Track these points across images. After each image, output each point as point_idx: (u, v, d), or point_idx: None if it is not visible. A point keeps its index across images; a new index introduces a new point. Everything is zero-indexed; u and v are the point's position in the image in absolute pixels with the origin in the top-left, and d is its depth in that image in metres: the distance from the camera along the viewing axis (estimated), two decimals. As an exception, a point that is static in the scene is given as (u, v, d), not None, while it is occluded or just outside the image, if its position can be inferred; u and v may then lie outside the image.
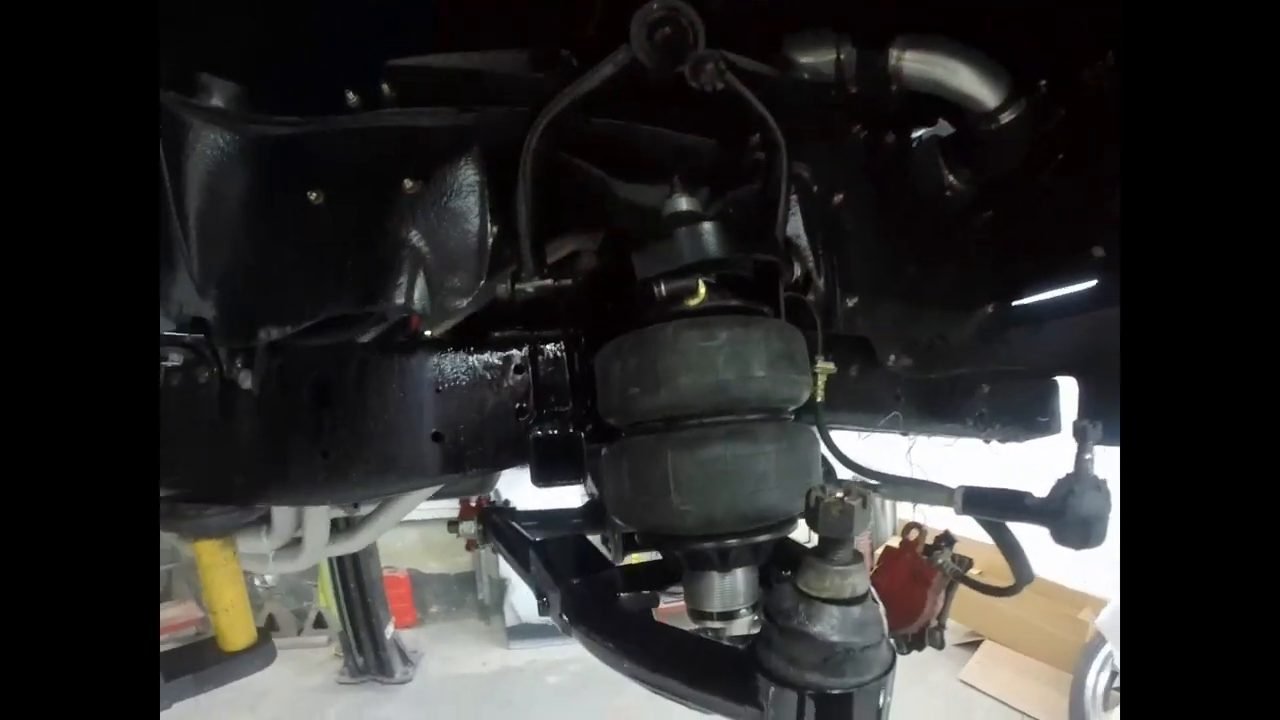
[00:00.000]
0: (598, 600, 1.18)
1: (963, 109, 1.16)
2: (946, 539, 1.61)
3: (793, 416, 1.10)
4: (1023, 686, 5.70)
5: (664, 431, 0.99)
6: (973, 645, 6.35)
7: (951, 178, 1.30)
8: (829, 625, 0.71)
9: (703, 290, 1.00)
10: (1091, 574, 5.38)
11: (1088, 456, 1.09)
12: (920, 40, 1.09)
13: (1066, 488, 1.08)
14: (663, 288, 1.01)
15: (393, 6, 0.94)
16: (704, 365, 0.93)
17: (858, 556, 0.74)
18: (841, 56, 1.08)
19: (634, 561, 1.27)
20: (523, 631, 7.65)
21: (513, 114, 0.99)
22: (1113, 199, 1.13)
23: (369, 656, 6.95)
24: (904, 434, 1.74)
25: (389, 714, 6.47)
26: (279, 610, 8.12)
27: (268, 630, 1.65)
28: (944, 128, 1.37)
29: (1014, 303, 1.46)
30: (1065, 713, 4.99)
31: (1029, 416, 1.79)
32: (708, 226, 1.01)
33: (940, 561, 1.53)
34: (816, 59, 1.09)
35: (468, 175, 1.00)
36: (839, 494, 0.70)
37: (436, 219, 0.99)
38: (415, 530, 8.50)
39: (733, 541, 0.99)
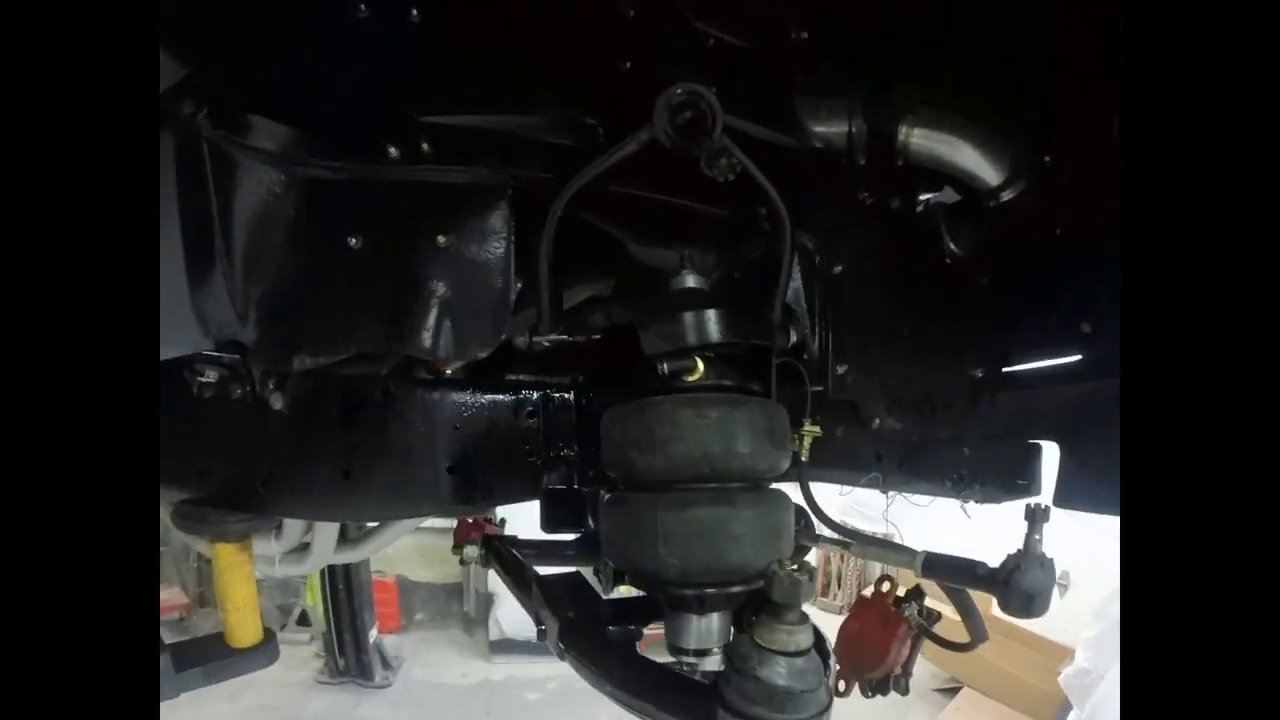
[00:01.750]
0: (589, 631, 1.28)
1: (968, 186, 1.23)
2: (917, 593, 1.68)
3: (771, 484, 1.20)
4: (999, 737, 5.62)
5: (656, 491, 1.11)
6: (952, 691, 6.33)
7: (952, 244, 1.34)
8: (775, 671, 0.86)
9: (700, 368, 1.13)
10: (1073, 625, 5.40)
11: (1036, 537, 1.21)
12: (929, 118, 1.15)
13: (1014, 563, 1.21)
14: (665, 366, 1.13)
15: (434, 66, 1.03)
16: (694, 439, 1.06)
17: (803, 618, 0.88)
18: (853, 129, 1.15)
19: (621, 595, 1.37)
20: (505, 646, 7.67)
21: (540, 177, 1.07)
22: (1101, 280, 1.21)
23: (350, 658, 6.99)
24: (884, 492, 1.79)
25: (366, 715, 6.52)
26: (264, 604, 8.15)
27: (272, 630, 1.73)
28: (949, 194, 1.39)
29: (1004, 369, 1.50)
30: (1039, 767, 5.01)
31: (1008, 479, 1.77)
32: (711, 314, 1.13)
33: (908, 614, 1.60)
34: (829, 129, 1.15)
35: (496, 232, 1.08)
36: (792, 568, 0.82)
37: (465, 271, 1.08)
38: (408, 537, 8.54)
39: (709, 590, 1.10)
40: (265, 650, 1.66)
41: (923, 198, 1.42)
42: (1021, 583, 1.20)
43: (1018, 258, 1.38)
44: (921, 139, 1.14)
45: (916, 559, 1.34)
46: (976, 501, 1.87)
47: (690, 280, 1.16)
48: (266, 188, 1.02)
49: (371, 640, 7.02)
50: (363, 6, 0.94)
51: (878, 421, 1.40)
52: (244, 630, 1.62)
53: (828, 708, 0.90)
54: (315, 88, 1.01)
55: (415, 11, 0.95)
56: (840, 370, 1.32)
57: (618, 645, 1.26)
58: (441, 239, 1.07)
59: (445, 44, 1.00)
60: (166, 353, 1.06)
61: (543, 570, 1.44)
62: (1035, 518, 1.23)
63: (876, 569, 7.19)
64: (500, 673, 7.39)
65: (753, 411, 1.12)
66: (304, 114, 1.02)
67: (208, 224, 0.99)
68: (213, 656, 1.61)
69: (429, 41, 0.98)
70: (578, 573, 1.45)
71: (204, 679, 1.57)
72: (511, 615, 7.63)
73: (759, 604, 0.94)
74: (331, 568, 6.74)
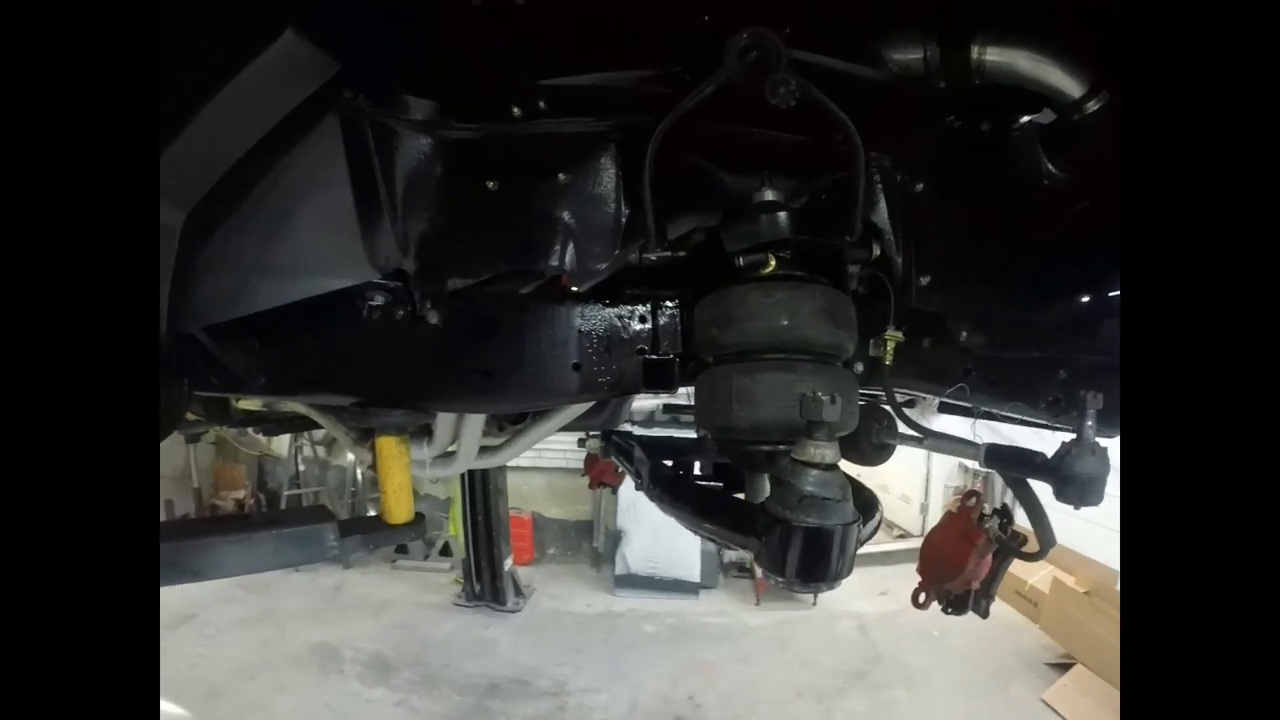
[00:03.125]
0: (670, 472, 1.57)
1: (1050, 100, 1.21)
2: (1003, 512, 1.74)
3: (840, 364, 1.35)
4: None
5: (733, 361, 1.30)
6: (1063, 667, 6.16)
7: (1050, 166, 1.31)
8: (803, 480, 1.03)
9: (772, 263, 1.29)
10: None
11: (1089, 424, 1.28)
12: (1001, 35, 1.15)
13: (1066, 449, 1.29)
14: (741, 260, 1.31)
15: (541, 39, 1.20)
16: (762, 315, 1.25)
17: (831, 436, 1.05)
18: (928, 53, 1.16)
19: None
20: (629, 581, 8.19)
21: (639, 121, 1.23)
22: None
23: (485, 584, 7.71)
24: (971, 408, 1.79)
25: (496, 635, 7.14)
26: (410, 536, 9.04)
27: (422, 513, 2.06)
28: (1048, 115, 1.34)
29: (1110, 294, 1.40)
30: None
31: (1109, 408, 1.64)
32: (782, 215, 1.26)
33: (987, 526, 1.67)
34: (905, 56, 1.18)
35: (606, 169, 1.27)
36: (821, 394, 1.02)
37: (582, 202, 1.28)
38: (543, 476, 9.21)
39: (781, 447, 1.28)
40: (415, 526, 1.99)
41: (1024, 120, 1.38)
42: (1074, 468, 1.27)
43: (1116, 178, 1.33)
44: (996, 56, 1.14)
45: (980, 449, 1.43)
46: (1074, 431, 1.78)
47: (769, 194, 1.29)
48: (418, 149, 1.25)
49: (506, 569, 7.69)
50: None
51: (965, 335, 1.44)
52: (399, 509, 1.96)
53: (854, 520, 1.07)
54: (449, 67, 1.23)
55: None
56: (924, 282, 1.39)
57: (690, 482, 1.55)
58: (562, 177, 1.27)
59: (547, 20, 1.16)
60: (344, 282, 1.35)
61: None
62: (1084, 404, 1.27)
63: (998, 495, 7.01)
64: (622, 605, 7.89)
65: (814, 294, 1.27)
66: (443, 89, 1.24)
67: (373, 180, 1.23)
68: (371, 529, 1.97)
69: (534, 20, 1.15)
70: (670, 438, 1.69)
71: (362, 545, 1.93)
72: (637, 552, 8.17)
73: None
74: (472, 502, 7.42)
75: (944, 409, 2.06)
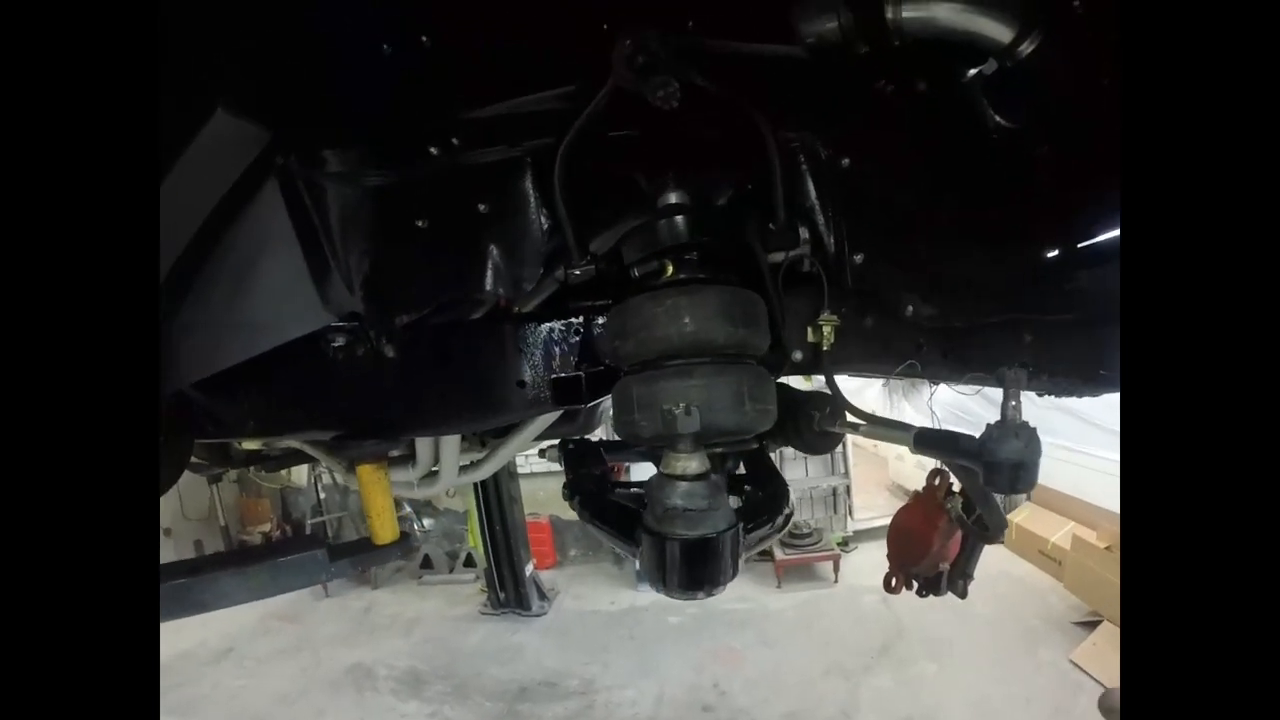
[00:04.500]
0: (589, 487, 1.71)
1: (979, 49, 1.12)
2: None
3: (753, 361, 1.34)
4: (1134, 677, 5.45)
5: (633, 372, 1.33)
6: (1091, 625, 6.10)
7: (996, 117, 1.24)
8: (669, 493, 1.08)
9: (670, 269, 1.31)
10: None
11: (1013, 403, 1.19)
12: None
13: (989, 433, 1.20)
14: (635, 270, 1.35)
15: (449, 77, 1.23)
16: (654, 323, 1.25)
17: (695, 447, 1.09)
18: (841, 20, 1.08)
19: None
20: (650, 576, 8.22)
21: (551, 142, 1.25)
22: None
23: (509, 592, 7.81)
24: (930, 382, 1.76)
25: (523, 640, 7.24)
26: (434, 551, 9.22)
27: (406, 532, 2.16)
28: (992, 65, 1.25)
29: (1080, 244, 1.31)
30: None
31: (1088, 369, 1.58)
32: (679, 219, 1.29)
33: (949, 506, 1.64)
34: (819, 26, 1.10)
35: (524, 193, 1.31)
36: (678, 407, 1.06)
37: (506, 228, 1.33)
38: (557, 480, 9.18)
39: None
40: (400, 545, 2.09)
41: (971, 73, 1.27)
42: (997, 453, 1.17)
43: (1076, 119, 1.23)
44: (913, 11, 1.08)
45: (910, 434, 1.39)
46: (1049, 395, 1.70)
47: (673, 197, 1.32)
48: (348, 199, 1.30)
49: (528, 574, 7.77)
50: (385, 47, 1.16)
51: (910, 309, 1.41)
52: (384, 531, 2.06)
53: (726, 530, 1.10)
54: (365, 117, 1.27)
55: (425, 39, 1.16)
56: (858, 260, 1.37)
57: (596, 491, 1.67)
58: (483, 207, 1.32)
59: (453, 57, 1.20)
60: (304, 329, 1.42)
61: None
62: (1009, 383, 1.18)
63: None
64: (645, 599, 7.93)
65: (708, 296, 1.25)
66: (362, 140, 1.29)
67: (315, 233, 1.29)
68: (359, 550, 2.06)
69: (441, 59, 1.19)
70: (591, 442, 1.78)
71: (351, 567, 2.03)
72: (656, 548, 8.15)
73: (761, 466, 1.16)
74: (488, 513, 7.52)
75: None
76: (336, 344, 1.68)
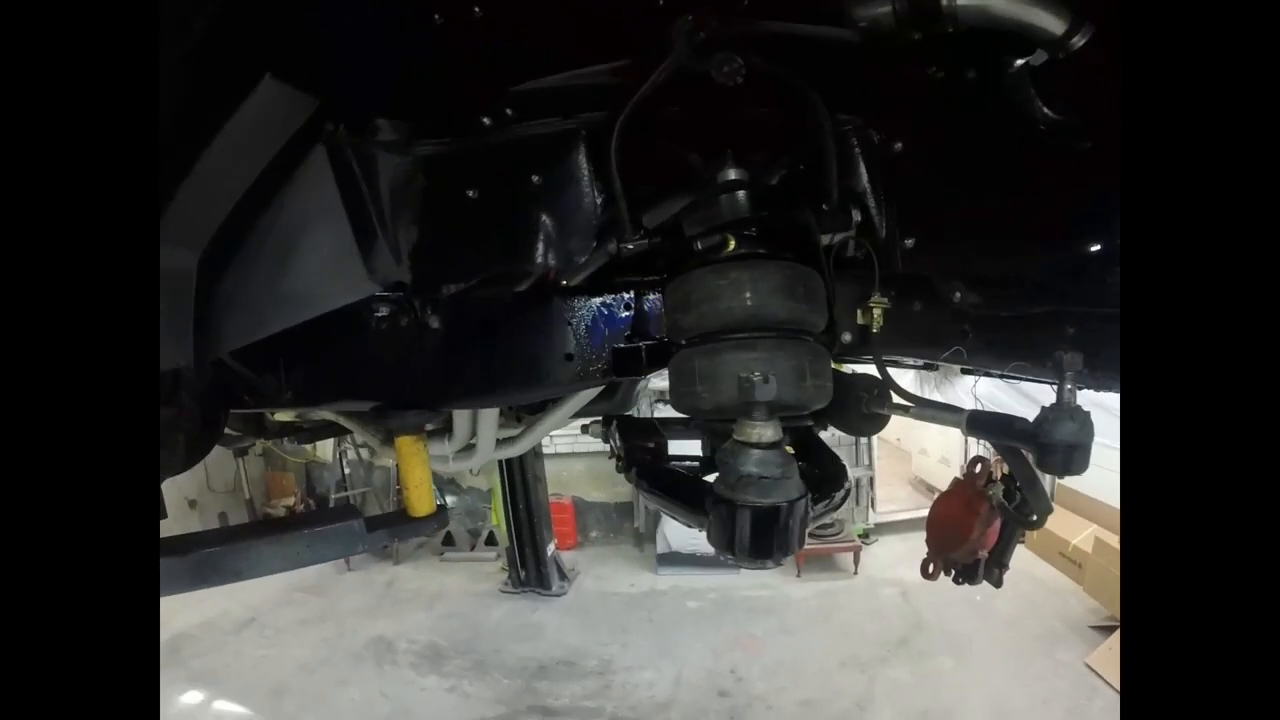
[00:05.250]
0: (644, 454, 1.69)
1: (1032, 40, 1.13)
2: (1009, 479, 1.71)
3: (810, 338, 1.34)
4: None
5: (696, 344, 1.32)
6: (1109, 629, 6.04)
7: (1045, 109, 1.23)
8: (743, 460, 1.07)
9: (732, 243, 1.30)
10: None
11: (1069, 387, 1.23)
12: None
13: (1044, 415, 1.23)
14: (698, 244, 1.34)
15: (503, 48, 1.22)
16: (717, 296, 1.26)
17: (770, 414, 1.08)
18: (896, 6, 1.09)
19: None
20: (671, 559, 8.28)
21: (605, 115, 1.25)
22: None
23: (530, 570, 7.88)
24: (972, 371, 1.82)
25: (543, 619, 7.32)
26: (456, 529, 9.33)
27: (443, 505, 2.19)
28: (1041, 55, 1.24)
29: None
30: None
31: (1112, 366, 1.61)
32: (740, 194, 1.29)
33: (990, 493, 1.65)
34: (873, 10, 1.11)
35: (578, 166, 1.30)
36: (755, 374, 1.05)
37: (558, 201, 1.32)
38: (582, 462, 9.32)
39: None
40: (437, 518, 2.10)
41: (1018, 63, 1.27)
42: (1053, 434, 1.21)
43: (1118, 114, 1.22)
44: (967, 0, 1.07)
45: (963, 417, 1.39)
46: (1086, 387, 1.61)
47: (732, 173, 1.31)
48: (399, 169, 1.31)
49: (549, 554, 7.85)
50: (436, 16, 1.15)
51: (958, 296, 1.42)
52: (420, 503, 2.07)
53: (798, 498, 1.10)
54: (417, 87, 1.27)
55: (477, 9, 1.15)
56: (909, 244, 1.36)
57: (658, 465, 1.65)
58: (535, 179, 1.31)
59: (506, 28, 1.18)
60: (350, 298, 1.43)
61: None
62: (1063, 366, 1.20)
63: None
64: (665, 583, 7.99)
65: (770, 271, 1.27)
66: (414, 109, 1.29)
67: (363, 203, 1.29)
68: (395, 522, 2.08)
69: (494, 29, 1.17)
70: (651, 419, 1.76)
71: (389, 537, 2.06)
72: (678, 531, 8.21)
73: (809, 442, 1.15)
74: (512, 491, 7.61)
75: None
76: (380, 313, 1.69)
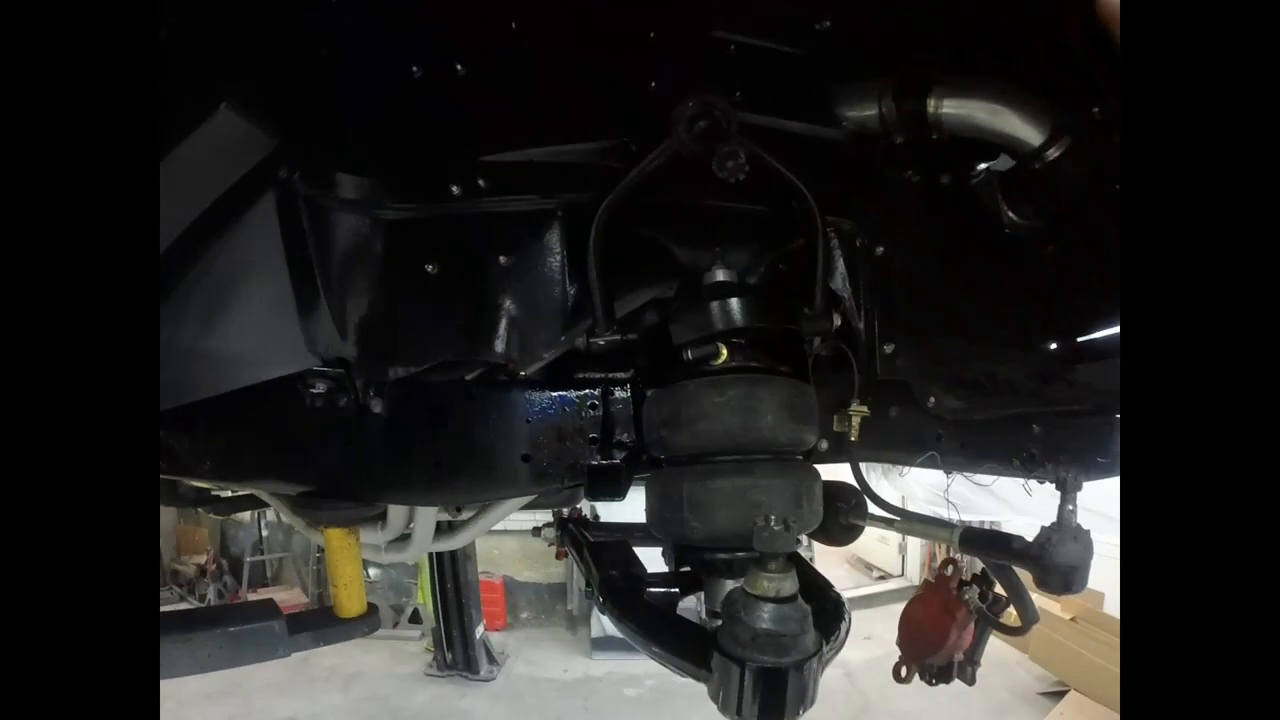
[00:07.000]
0: (623, 587, 1.50)
1: (1009, 150, 1.18)
2: (983, 578, 1.68)
3: (800, 457, 1.27)
4: (1103, 748, 5.33)
5: (686, 465, 1.22)
6: (1058, 695, 6.10)
7: (1011, 213, 1.27)
8: (758, 616, 0.95)
9: (724, 353, 1.22)
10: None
11: (1070, 508, 1.21)
12: (957, 87, 1.13)
13: (1047, 536, 1.22)
14: (689, 353, 1.24)
15: (482, 113, 1.14)
16: (715, 416, 1.17)
17: (787, 568, 0.96)
18: (883, 109, 1.13)
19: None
20: (606, 644, 7.92)
21: (586, 197, 1.16)
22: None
23: (458, 653, 7.42)
24: (946, 472, 1.77)
25: (471, 706, 6.86)
26: (380, 603, 8.71)
27: (374, 605, 1.97)
28: (1006, 161, 1.31)
29: (1080, 339, 1.39)
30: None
31: (1087, 457, 1.69)
32: (734, 301, 1.21)
33: (967, 598, 1.62)
34: (860, 113, 1.16)
35: (551, 250, 1.20)
36: (772, 520, 0.92)
37: (526, 285, 1.21)
38: (514, 539, 8.98)
39: (739, 554, 1.20)
40: (368, 620, 1.89)
41: (982, 168, 1.34)
42: (1055, 556, 1.20)
43: (1082, 220, 1.29)
44: (953, 108, 1.12)
45: (955, 533, 1.36)
46: (1048, 482, 1.70)
47: (720, 275, 1.25)
48: (355, 230, 1.18)
49: (478, 635, 7.42)
50: (415, 69, 1.07)
51: (933, 401, 1.41)
52: (351, 602, 1.86)
53: (813, 655, 0.98)
54: (385, 142, 1.16)
55: (460, 67, 1.08)
56: (888, 350, 1.33)
57: (641, 599, 1.47)
58: (504, 259, 1.20)
59: (488, 92, 1.12)
60: (283, 370, 1.27)
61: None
62: (1067, 488, 1.22)
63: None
64: (601, 669, 7.63)
65: (772, 389, 1.20)
66: (379, 166, 1.17)
67: (309, 263, 1.16)
68: (322, 624, 1.86)
69: (475, 91, 1.10)
70: (624, 542, 1.59)
71: (312, 641, 1.82)
72: (612, 613, 7.90)
73: (801, 571, 1.03)
74: (440, 568, 7.20)
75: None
76: (317, 390, 1.50)
